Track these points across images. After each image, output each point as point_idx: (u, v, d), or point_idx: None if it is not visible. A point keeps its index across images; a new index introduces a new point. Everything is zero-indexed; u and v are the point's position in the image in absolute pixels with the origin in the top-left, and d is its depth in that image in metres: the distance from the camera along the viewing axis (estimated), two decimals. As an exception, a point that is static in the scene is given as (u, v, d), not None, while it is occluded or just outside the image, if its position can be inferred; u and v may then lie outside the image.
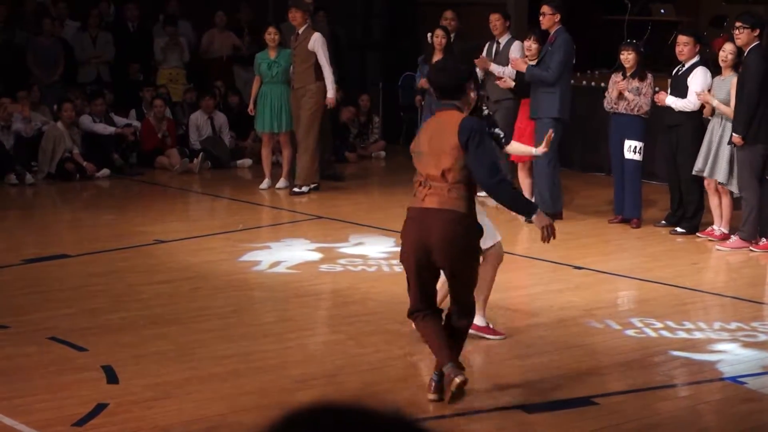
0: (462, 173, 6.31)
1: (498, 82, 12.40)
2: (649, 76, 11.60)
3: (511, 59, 12.42)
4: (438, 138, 6.38)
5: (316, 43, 13.11)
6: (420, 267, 6.39)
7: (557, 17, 11.89)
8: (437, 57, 13.35)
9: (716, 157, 10.83)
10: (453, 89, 6.50)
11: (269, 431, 1.68)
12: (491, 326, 7.73)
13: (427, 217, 6.33)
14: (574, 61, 12.15)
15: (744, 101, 10.45)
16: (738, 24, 10.66)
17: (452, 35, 13.78)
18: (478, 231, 6.46)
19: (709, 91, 10.95)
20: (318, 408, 1.69)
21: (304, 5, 13.29)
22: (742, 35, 10.61)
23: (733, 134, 10.55)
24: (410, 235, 6.40)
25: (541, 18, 12.06)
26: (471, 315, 6.70)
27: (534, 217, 6.52)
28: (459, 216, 6.30)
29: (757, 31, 10.58)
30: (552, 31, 11.98)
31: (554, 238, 6.49)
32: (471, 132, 6.29)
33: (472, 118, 6.49)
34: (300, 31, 13.24)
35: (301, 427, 1.67)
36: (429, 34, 13.52)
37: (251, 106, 13.69)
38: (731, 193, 10.96)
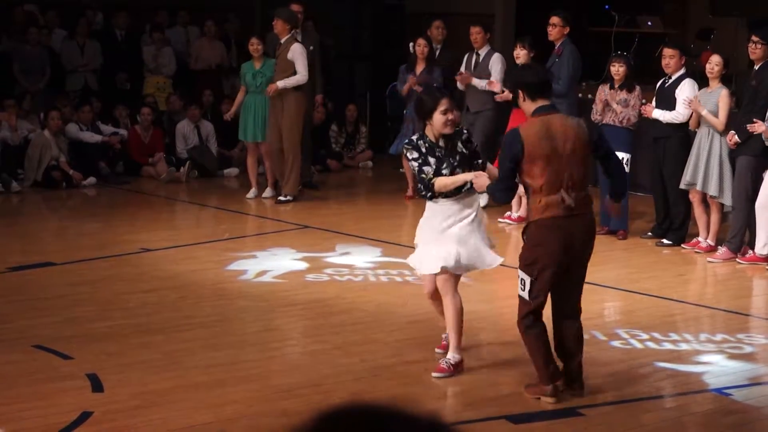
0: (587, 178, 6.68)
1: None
2: (637, 87, 11.61)
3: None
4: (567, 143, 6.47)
5: (295, 53, 13.10)
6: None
7: (567, 29, 11.99)
8: (420, 66, 13.43)
9: (707, 171, 10.83)
10: (544, 85, 6.65)
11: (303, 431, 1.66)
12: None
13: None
14: (581, 73, 12.25)
15: (755, 114, 10.45)
16: (755, 39, 10.66)
17: (439, 46, 13.81)
18: None
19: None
20: (353, 409, 1.67)
21: (287, 15, 13.28)
22: (758, 50, 10.64)
23: (735, 134, 10.54)
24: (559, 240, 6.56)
25: (550, 29, 12.11)
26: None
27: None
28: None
29: None
30: (558, 43, 12.05)
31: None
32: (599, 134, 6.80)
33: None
34: (282, 41, 13.25)
35: (336, 427, 1.66)
36: (411, 44, 13.57)
37: (232, 111, 13.74)
38: (722, 206, 10.97)
